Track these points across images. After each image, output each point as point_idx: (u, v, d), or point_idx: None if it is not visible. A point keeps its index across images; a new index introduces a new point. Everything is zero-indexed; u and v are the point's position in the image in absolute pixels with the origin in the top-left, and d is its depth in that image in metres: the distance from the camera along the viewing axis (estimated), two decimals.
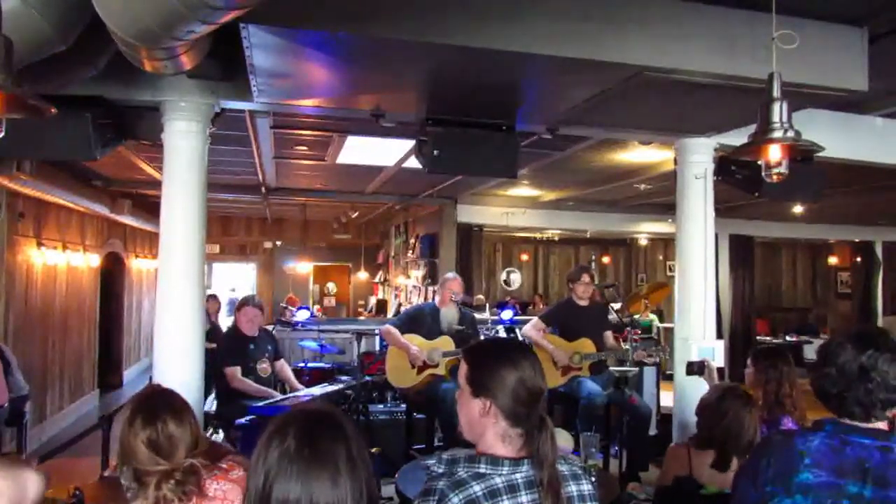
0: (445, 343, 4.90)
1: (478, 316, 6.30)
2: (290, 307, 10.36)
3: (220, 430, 4.78)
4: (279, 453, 1.15)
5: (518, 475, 1.54)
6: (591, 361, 5.04)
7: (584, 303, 5.29)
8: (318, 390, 5.02)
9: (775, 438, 1.89)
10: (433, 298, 8.96)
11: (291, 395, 4.95)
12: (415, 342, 4.89)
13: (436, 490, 1.50)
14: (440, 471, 1.55)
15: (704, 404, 2.89)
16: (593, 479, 1.68)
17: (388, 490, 4.47)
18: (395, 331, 4.97)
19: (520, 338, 6.84)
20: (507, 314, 8.15)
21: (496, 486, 1.51)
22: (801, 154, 2.73)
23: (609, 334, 5.35)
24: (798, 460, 1.66)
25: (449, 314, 5.00)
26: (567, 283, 5.48)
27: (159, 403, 1.91)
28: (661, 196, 8.27)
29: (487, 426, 1.59)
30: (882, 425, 1.66)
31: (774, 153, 2.61)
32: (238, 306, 5.09)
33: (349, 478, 1.14)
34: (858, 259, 12.19)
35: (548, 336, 5.23)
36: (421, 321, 5.03)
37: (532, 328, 5.31)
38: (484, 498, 1.48)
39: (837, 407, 1.69)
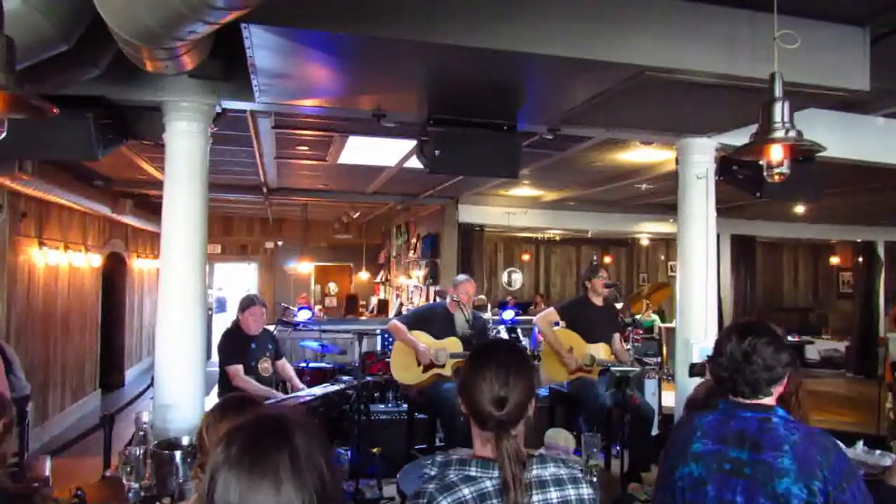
0: (453, 344, 4.89)
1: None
2: (293, 307, 10.39)
3: None
4: (222, 459, 1.15)
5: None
6: (602, 367, 5.01)
7: (599, 302, 5.26)
8: (319, 390, 5.01)
9: (681, 419, 2.21)
10: (435, 298, 8.99)
11: (292, 395, 4.94)
12: (422, 340, 4.88)
13: (425, 493, 1.50)
14: (432, 473, 1.56)
15: (693, 403, 2.91)
16: (594, 479, 1.67)
17: (389, 490, 4.48)
18: (403, 327, 4.96)
19: (522, 339, 6.85)
20: (508, 314, 8.16)
21: (486, 489, 1.50)
22: (803, 154, 2.73)
23: (617, 337, 5.32)
24: (692, 434, 1.96)
25: (460, 317, 4.96)
26: (583, 281, 5.42)
27: (232, 405, 1.99)
28: (663, 196, 8.28)
29: (472, 426, 1.61)
30: (768, 400, 1.92)
31: (776, 153, 2.61)
32: (245, 306, 5.04)
33: (293, 485, 1.12)
34: (860, 259, 12.17)
35: (565, 332, 5.20)
36: (431, 321, 5.00)
37: (543, 318, 5.27)
38: (473, 501, 1.48)
39: (731, 389, 1.94)
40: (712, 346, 2.04)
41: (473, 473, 1.52)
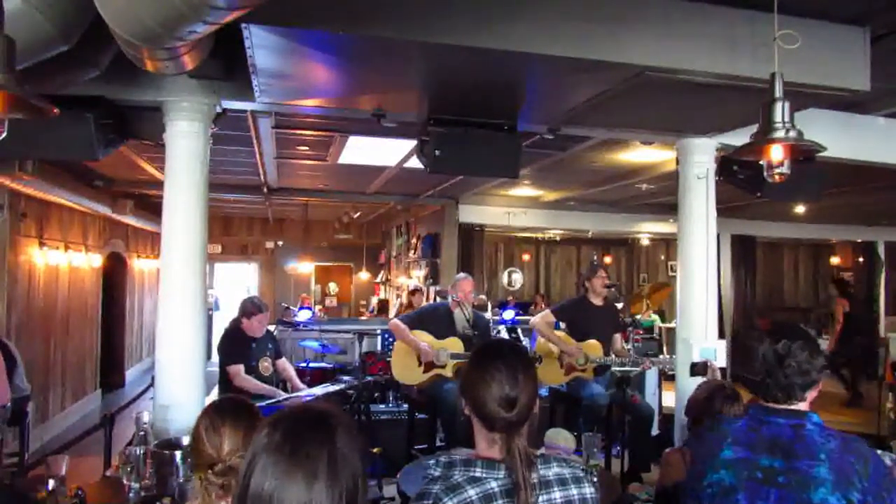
0: (454, 344, 4.89)
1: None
2: (293, 307, 10.40)
3: None
4: (264, 445, 1.16)
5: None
6: (595, 365, 5.00)
7: (598, 302, 5.24)
8: (319, 390, 5.01)
9: (709, 424, 2.11)
10: (435, 298, 8.98)
11: (294, 394, 4.94)
12: (424, 339, 4.88)
13: (430, 494, 1.50)
14: (436, 474, 1.55)
15: (693, 403, 2.91)
16: (595, 479, 1.67)
17: (389, 490, 4.48)
18: (404, 326, 4.97)
19: (522, 339, 6.84)
20: (508, 314, 8.15)
21: (491, 490, 1.50)
22: (803, 154, 2.73)
23: (618, 337, 5.30)
24: (722, 440, 1.88)
25: (460, 316, 4.97)
26: (583, 281, 5.40)
27: (229, 408, 2.00)
28: (663, 196, 8.27)
29: (475, 427, 1.61)
30: (801, 405, 1.84)
31: (776, 153, 2.61)
32: (250, 312, 4.98)
33: (326, 482, 1.12)
34: (861, 259, 12.17)
35: (557, 334, 5.19)
36: (432, 321, 5.00)
37: (541, 319, 5.24)
38: (479, 502, 1.47)
39: (763, 393, 1.87)
40: (739, 348, 1.95)
41: (478, 474, 1.51)
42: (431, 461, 1.60)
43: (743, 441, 1.84)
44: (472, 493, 1.48)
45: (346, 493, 1.13)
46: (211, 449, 1.86)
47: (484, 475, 1.51)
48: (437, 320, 5.01)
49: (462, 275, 5.25)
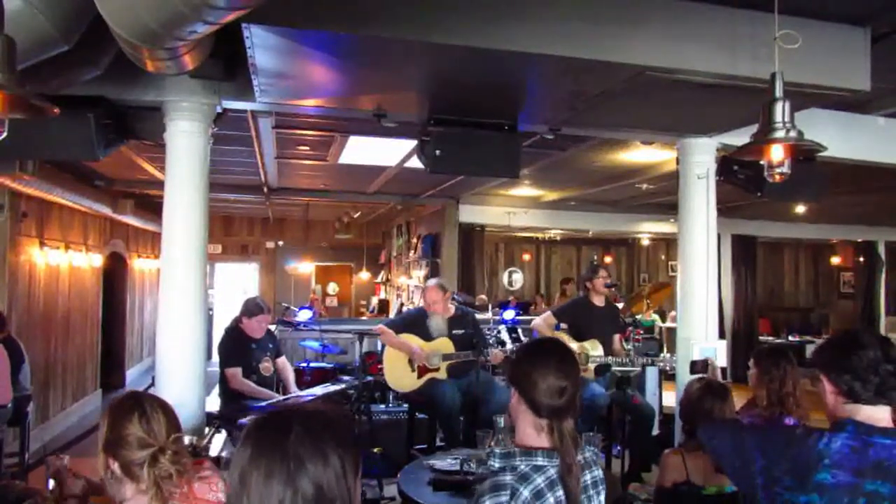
0: (445, 345, 4.87)
1: (480, 316, 6.27)
2: (293, 307, 10.40)
3: (223, 430, 4.76)
4: (240, 457, 1.19)
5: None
6: (597, 364, 4.99)
7: (600, 302, 5.23)
8: (319, 390, 5.01)
9: (799, 432, 1.89)
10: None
11: (293, 395, 4.94)
12: (413, 342, 4.87)
13: (506, 485, 1.63)
14: (498, 465, 1.68)
15: (685, 404, 2.92)
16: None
17: (390, 490, 4.48)
18: (391, 331, 4.95)
19: (522, 339, 6.85)
20: (508, 314, 8.14)
21: (553, 476, 1.66)
22: (804, 154, 2.73)
23: (617, 338, 5.30)
24: (816, 460, 1.68)
25: (434, 321, 4.93)
26: (584, 282, 5.39)
27: (149, 398, 1.99)
28: (663, 196, 8.27)
29: (521, 417, 1.75)
30: None
31: (777, 153, 2.61)
32: (252, 312, 4.98)
33: (282, 482, 1.12)
34: (861, 259, 12.17)
35: (558, 334, 5.18)
36: (416, 325, 4.99)
37: (542, 321, 5.24)
38: (547, 489, 1.64)
39: (871, 394, 1.71)
40: (848, 338, 1.84)
41: (541, 462, 1.67)
42: (485, 455, 1.76)
43: (847, 466, 1.66)
44: (539, 480, 1.64)
45: (304, 493, 1.11)
46: (148, 436, 1.82)
47: (545, 463, 1.67)
48: (419, 324, 4.99)
49: (429, 281, 5.20)
